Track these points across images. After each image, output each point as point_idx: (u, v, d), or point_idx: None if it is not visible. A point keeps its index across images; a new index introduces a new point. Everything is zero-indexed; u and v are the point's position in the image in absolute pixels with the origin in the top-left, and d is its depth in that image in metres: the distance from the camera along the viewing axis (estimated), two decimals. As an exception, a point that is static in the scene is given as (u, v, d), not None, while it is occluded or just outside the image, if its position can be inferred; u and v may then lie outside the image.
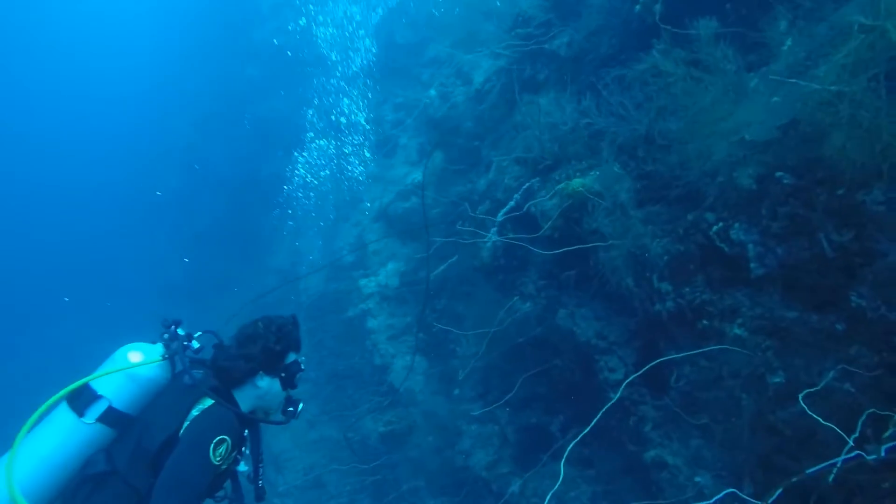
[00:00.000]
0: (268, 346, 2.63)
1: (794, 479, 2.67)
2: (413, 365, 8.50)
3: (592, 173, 5.02)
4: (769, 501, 2.73)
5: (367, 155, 12.96)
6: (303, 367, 2.79)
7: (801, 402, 2.92)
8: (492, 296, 6.85)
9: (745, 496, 2.79)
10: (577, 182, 4.86)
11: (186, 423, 2.35)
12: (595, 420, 4.18)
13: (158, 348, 2.59)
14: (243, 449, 2.61)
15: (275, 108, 15.38)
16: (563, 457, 6.79)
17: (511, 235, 5.71)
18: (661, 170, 4.39)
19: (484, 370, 7.35)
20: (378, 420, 8.07)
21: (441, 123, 9.02)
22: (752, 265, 3.59)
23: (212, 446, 2.29)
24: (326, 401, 9.52)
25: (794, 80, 3.12)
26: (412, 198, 10.06)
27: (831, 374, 3.21)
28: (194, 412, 2.39)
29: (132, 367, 2.46)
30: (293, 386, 2.75)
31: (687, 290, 4.18)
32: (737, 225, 3.75)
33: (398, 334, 9.21)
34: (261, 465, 2.71)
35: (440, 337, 8.38)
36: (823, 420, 2.80)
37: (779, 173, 3.43)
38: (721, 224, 3.86)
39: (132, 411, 2.44)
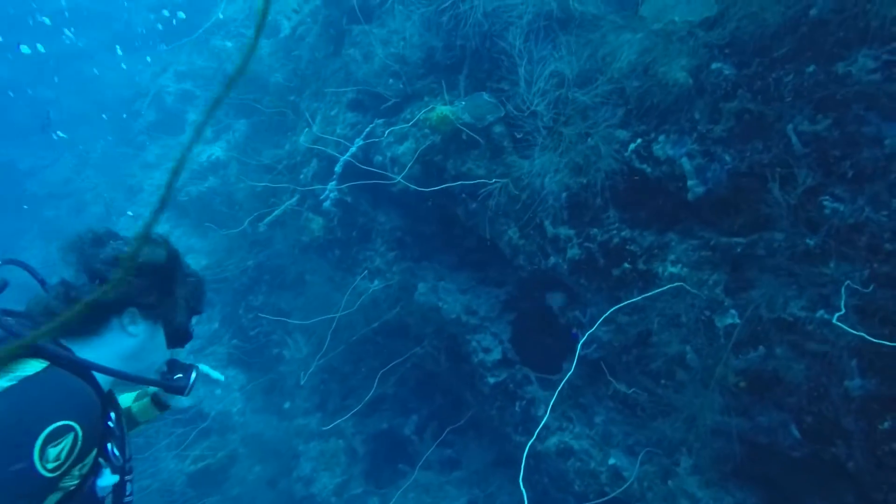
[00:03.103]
0: (150, 269, 1.59)
1: None
2: (227, 380, 6.73)
3: (458, 103, 4.00)
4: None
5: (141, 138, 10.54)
6: (194, 321, 1.79)
7: (836, 322, 2.19)
8: (328, 279, 5.50)
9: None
10: (444, 109, 3.80)
11: None
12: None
13: None
14: (109, 448, 1.50)
15: None
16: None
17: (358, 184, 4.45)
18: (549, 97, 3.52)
19: (322, 373, 5.97)
20: (184, 457, 6.17)
21: (242, 82, 7.33)
22: (689, 183, 2.86)
23: (39, 444, 1.20)
24: (107, 445, 7.21)
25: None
26: (210, 177, 8.15)
27: (800, 302, 2.58)
28: (2, 384, 1.25)
29: None
30: (181, 342, 1.74)
31: (595, 231, 3.37)
32: (662, 137, 3.00)
33: (203, 346, 7.31)
34: (129, 477, 1.60)
35: (260, 341, 6.75)
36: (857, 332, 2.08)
37: (716, 64, 2.72)
38: (640, 140, 3.09)
39: None
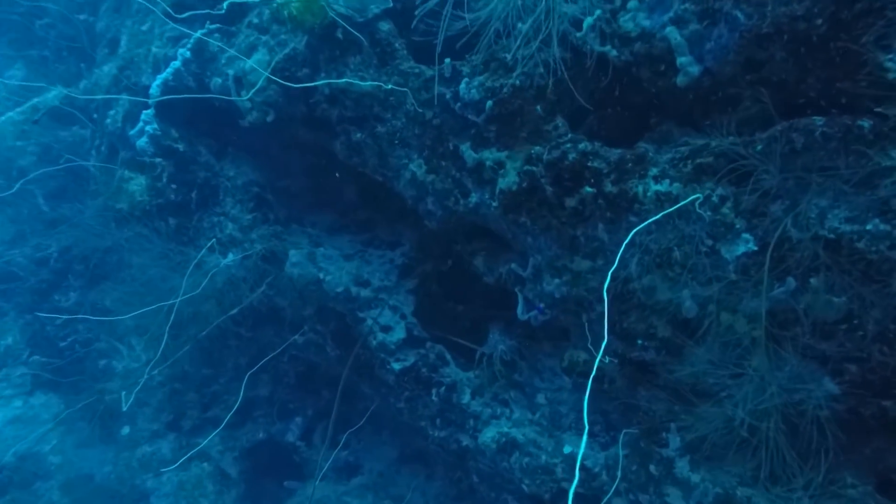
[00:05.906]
0: None
1: None
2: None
3: (326, -8, 2.83)
4: None
5: None
6: None
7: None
8: (161, 256, 4.08)
9: None
10: (308, -9, 2.61)
11: None
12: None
13: None
14: None
15: None
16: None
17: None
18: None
19: (171, 383, 4.57)
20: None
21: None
22: (679, 61, 2.01)
23: None
24: None
25: None
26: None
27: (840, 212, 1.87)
28: None
29: None
30: None
31: (538, 149, 2.44)
32: (633, 3, 2.11)
33: (-6, 367, 5.44)
34: None
35: (77, 353, 5.11)
36: None
37: None
38: (598, 12, 2.19)
39: None
